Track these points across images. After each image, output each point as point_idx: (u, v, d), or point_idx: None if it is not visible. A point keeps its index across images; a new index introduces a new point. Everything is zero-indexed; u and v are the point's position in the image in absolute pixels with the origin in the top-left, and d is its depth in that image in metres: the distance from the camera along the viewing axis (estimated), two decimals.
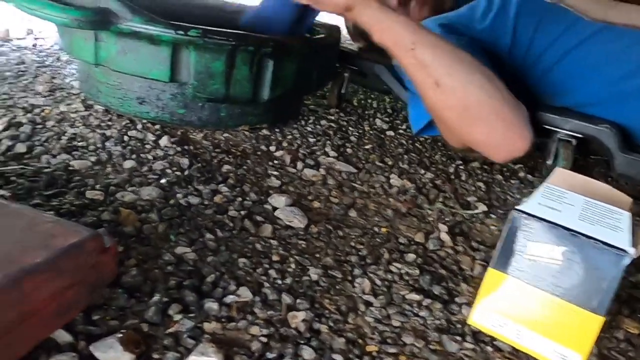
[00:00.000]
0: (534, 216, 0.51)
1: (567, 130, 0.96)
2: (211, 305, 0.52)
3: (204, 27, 0.88)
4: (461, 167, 1.08)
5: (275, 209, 0.76)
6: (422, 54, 0.77)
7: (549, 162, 1.00)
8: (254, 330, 0.50)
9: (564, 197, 0.56)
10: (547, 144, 1.02)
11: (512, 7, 1.09)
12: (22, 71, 1.20)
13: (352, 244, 0.72)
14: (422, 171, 1.02)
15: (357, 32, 1.41)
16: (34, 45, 1.46)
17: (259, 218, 0.73)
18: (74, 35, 0.94)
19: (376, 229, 0.78)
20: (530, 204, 0.53)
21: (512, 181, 1.06)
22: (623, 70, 0.95)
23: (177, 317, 0.50)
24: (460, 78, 0.79)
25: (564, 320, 0.51)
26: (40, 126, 0.90)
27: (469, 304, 0.60)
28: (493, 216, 0.88)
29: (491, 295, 0.55)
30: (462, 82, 0.79)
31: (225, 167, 0.87)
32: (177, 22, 0.87)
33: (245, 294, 0.55)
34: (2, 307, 0.36)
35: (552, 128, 0.99)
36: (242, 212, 0.73)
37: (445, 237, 0.77)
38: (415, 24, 0.81)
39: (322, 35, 1.15)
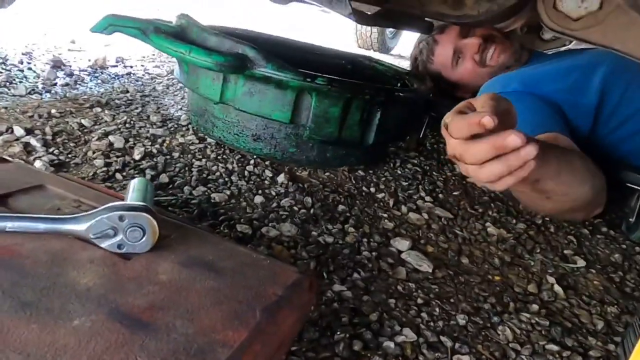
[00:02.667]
0: None
1: None
2: (388, 344, 0.56)
3: (329, 76, 0.95)
4: (547, 218, 1.13)
5: (400, 251, 0.81)
6: (544, 185, 0.70)
7: (632, 219, 1.06)
8: None
9: None
10: (628, 199, 1.08)
11: (600, 71, 1.14)
12: (129, 100, 1.29)
13: (476, 290, 0.76)
14: (513, 221, 1.07)
15: (429, 77, 1.47)
16: (129, 74, 1.56)
17: (390, 260, 0.78)
18: (201, 75, 1.02)
19: (490, 276, 0.82)
20: None
21: (598, 236, 1.10)
22: None
23: (363, 352, 0.54)
24: (573, 192, 0.75)
25: None
26: (168, 157, 0.97)
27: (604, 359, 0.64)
28: (593, 271, 0.92)
29: None
30: (575, 195, 0.76)
31: (340, 207, 0.93)
32: (304, 70, 0.95)
33: (409, 334, 0.60)
34: (267, 338, 0.42)
35: (635, 186, 1.05)
36: (374, 254, 0.78)
37: (558, 289, 0.81)
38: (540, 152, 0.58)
39: (420, 86, 1.22)
